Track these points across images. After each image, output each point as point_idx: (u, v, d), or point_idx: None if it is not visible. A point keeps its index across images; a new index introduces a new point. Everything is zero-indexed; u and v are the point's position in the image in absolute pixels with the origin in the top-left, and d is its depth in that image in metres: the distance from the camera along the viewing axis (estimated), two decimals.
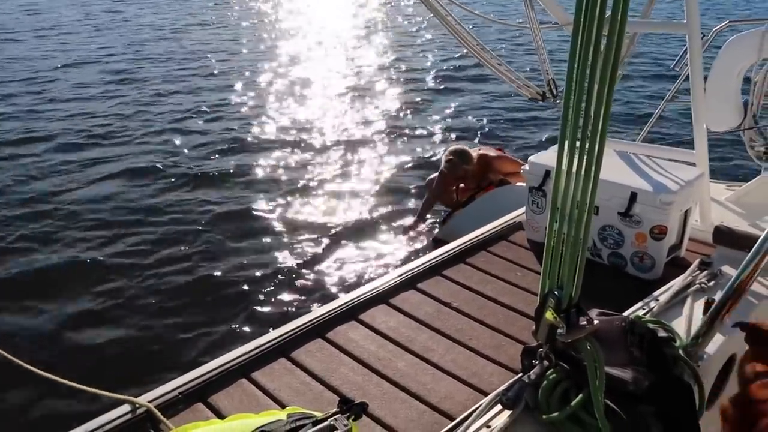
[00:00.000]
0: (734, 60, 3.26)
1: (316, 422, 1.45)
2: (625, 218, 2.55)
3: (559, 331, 1.36)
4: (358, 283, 4.20)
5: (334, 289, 4.24)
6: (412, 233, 4.96)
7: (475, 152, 4.65)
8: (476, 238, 2.90)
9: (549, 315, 1.35)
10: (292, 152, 7.09)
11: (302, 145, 7.33)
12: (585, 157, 1.24)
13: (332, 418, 1.45)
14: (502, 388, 1.50)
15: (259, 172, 6.49)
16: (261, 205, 5.67)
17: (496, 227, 3.03)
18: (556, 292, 1.35)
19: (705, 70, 3.20)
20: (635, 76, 9.95)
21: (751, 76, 3.36)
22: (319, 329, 2.21)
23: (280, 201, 5.76)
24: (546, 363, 1.45)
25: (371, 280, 2.65)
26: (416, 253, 4.55)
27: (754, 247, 1.54)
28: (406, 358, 2.08)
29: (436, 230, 4.89)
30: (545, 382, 1.42)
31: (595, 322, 1.34)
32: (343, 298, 2.39)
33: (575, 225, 1.30)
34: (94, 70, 10.91)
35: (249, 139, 7.51)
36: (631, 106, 8.55)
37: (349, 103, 9.03)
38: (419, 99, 9.32)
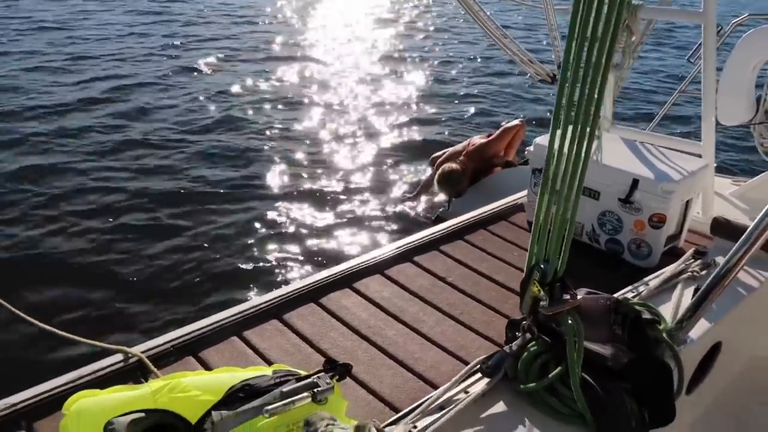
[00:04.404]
0: (750, 54, 3.21)
1: (299, 379, 1.48)
2: (626, 205, 2.56)
3: (542, 303, 1.38)
4: (356, 253, 4.25)
5: (331, 258, 4.28)
6: (413, 209, 4.99)
7: (463, 149, 4.68)
8: (476, 217, 2.92)
9: (534, 287, 1.37)
10: (293, 123, 7.15)
11: (304, 117, 7.39)
12: (577, 136, 1.25)
13: (315, 376, 1.49)
14: (483, 357, 1.52)
15: (262, 142, 6.53)
16: (266, 175, 5.72)
17: (496, 207, 3.04)
18: (542, 265, 1.36)
19: (722, 62, 3.17)
20: (651, 67, 9.86)
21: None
22: (314, 295, 2.25)
23: (285, 171, 5.81)
24: (528, 335, 1.47)
25: (369, 251, 2.68)
26: (417, 229, 4.59)
27: (744, 236, 1.55)
28: (397, 327, 2.11)
29: (441, 209, 4.91)
30: (526, 353, 1.45)
31: (579, 297, 1.36)
32: (340, 267, 2.42)
33: (564, 202, 1.31)
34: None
35: (248, 110, 7.56)
36: (645, 97, 8.50)
37: (354, 82, 9.04)
38: (425, 79, 9.34)
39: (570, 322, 1.34)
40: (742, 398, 2.35)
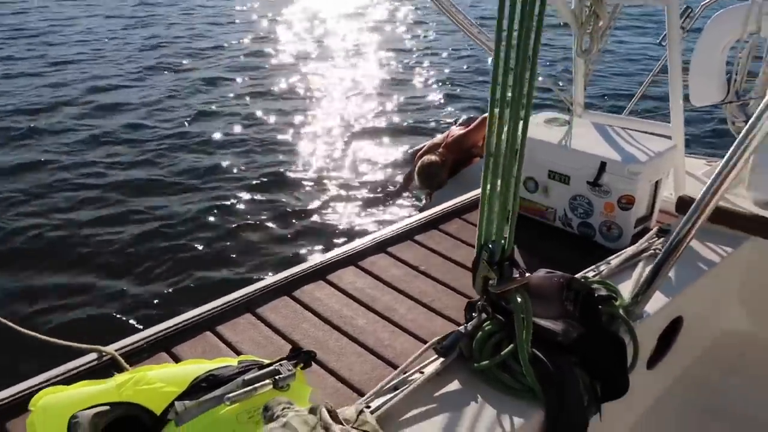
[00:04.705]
0: (719, 35, 3.25)
1: (261, 367, 1.51)
2: (594, 188, 2.59)
3: (491, 282, 1.41)
4: (331, 247, 4.31)
5: (309, 253, 4.33)
6: (395, 203, 5.02)
7: (442, 141, 4.71)
8: (451, 206, 2.95)
9: (484, 267, 1.40)
10: (271, 118, 7.24)
11: (282, 112, 7.47)
12: (514, 113, 1.28)
13: (278, 364, 1.52)
14: (438, 337, 1.55)
15: (238, 136, 6.63)
16: (243, 169, 5.77)
17: (471, 196, 3.07)
18: (490, 245, 1.39)
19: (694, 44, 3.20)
20: (625, 52, 9.93)
21: (736, 51, 3.36)
22: (287, 288, 2.27)
23: (264, 164, 5.88)
24: (484, 315, 1.50)
25: (344, 244, 2.71)
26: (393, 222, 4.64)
27: (692, 207, 1.58)
28: (368, 316, 2.14)
29: (423, 201, 4.94)
30: (480, 332, 1.48)
31: (527, 275, 1.39)
32: (313, 260, 2.45)
33: (505, 180, 1.34)
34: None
35: (225, 105, 7.66)
36: (627, 80, 8.55)
37: (333, 77, 9.11)
38: (404, 71, 9.43)
39: (519, 299, 1.37)
40: (709, 373, 2.39)
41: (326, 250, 3.98)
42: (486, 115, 4.83)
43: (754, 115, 1.71)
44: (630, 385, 1.59)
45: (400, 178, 5.47)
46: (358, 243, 2.59)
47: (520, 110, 1.27)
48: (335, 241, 4.52)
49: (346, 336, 2.02)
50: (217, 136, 6.58)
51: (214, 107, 7.50)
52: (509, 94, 1.28)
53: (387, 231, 2.70)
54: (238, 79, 8.78)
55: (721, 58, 3.30)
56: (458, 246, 2.65)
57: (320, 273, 2.37)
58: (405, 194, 5.14)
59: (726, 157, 1.62)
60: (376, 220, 4.85)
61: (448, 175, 4.64)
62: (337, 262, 2.44)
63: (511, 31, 1.25)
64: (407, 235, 2.70)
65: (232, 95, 8.06)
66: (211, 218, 4.82)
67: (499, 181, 1.35)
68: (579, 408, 1.39)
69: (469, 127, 4.80)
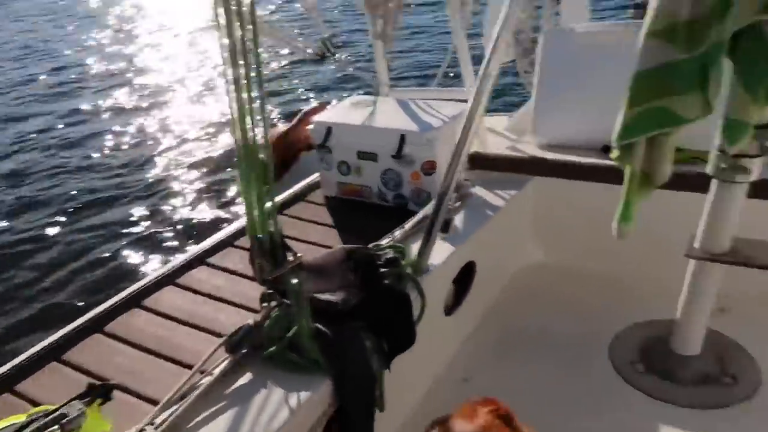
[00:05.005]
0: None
1: (48, 414, 1.40)
2: (399, 160, 2.70)
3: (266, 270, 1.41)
4: (149, 268, 4.11)
5: (122, 278, 4.10)
6: (217, 210, 4.92)
7: (273, 135, 4.68)
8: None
9: (258, 258, 1.40)
10: (77, 141, 6.92)
11: (92, 134, 7.15)
12: (251, 99, 1.30)
13: (66, 406, 1.41)
14: (229, 334, 1.54)
15: (46, 165, 6.29)
16: (53, 198, 5.41)
17: (292, 191, 3.07)
18: (259, 236, 1.39)
19: None
20: (441, 27, 10.48)
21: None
22: (98, 324, 2.12)
23: (75, 192, 5.52)
24: (274, 303, 1.50)
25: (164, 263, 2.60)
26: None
27: (452, 154, 1.68)
28: (188, 332, 2.05)
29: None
30: (268, 321, 1.48)
31: (299, 255, 1.41)
32: (127, 289, 2.31)
33: (255, 171, 1.35)
34: None
35: (23, 140, 7.19)
36: (435, 55, 9.01)
37: (148, 88, 8.77)
38: (221, 75, 9.25)
39: (293, 281, 1.39)
40: (511, 308, 2.58)
41: (144, 272, 3.78)
42: (306, 109, 4.87)
43: (484, 62, 1.86)
44: (430, 334, 1.68)
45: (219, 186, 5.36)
46: (175, 260, 2.49)
47: (253, 100, 1.28)
48: (155, 260, 4.31)
49: (162, 358, 1.93)
50: (21, 168, 6.08)
51: (18, 144, 6.89)
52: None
53: (206, 243, 2.62)
54: (43, 111, 8.17)
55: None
56: None
57: (135, 300, 2.24)
58: (238, 199, 5.04)
59: (469, 106, 1.74)
60: (197, 231, 4.71)
61: (280, 173, 4.60)
62: (154, 285, 2.32)
63: (231, 25, 1.25)
64: (228, 242, 2.63)
65: (36, 127, 7.48)
66: (16, 256, 4.39)
67: (252, 174, 1.36)
68: (364, 367, 1.45)
69: (291, 124, 4.78)
